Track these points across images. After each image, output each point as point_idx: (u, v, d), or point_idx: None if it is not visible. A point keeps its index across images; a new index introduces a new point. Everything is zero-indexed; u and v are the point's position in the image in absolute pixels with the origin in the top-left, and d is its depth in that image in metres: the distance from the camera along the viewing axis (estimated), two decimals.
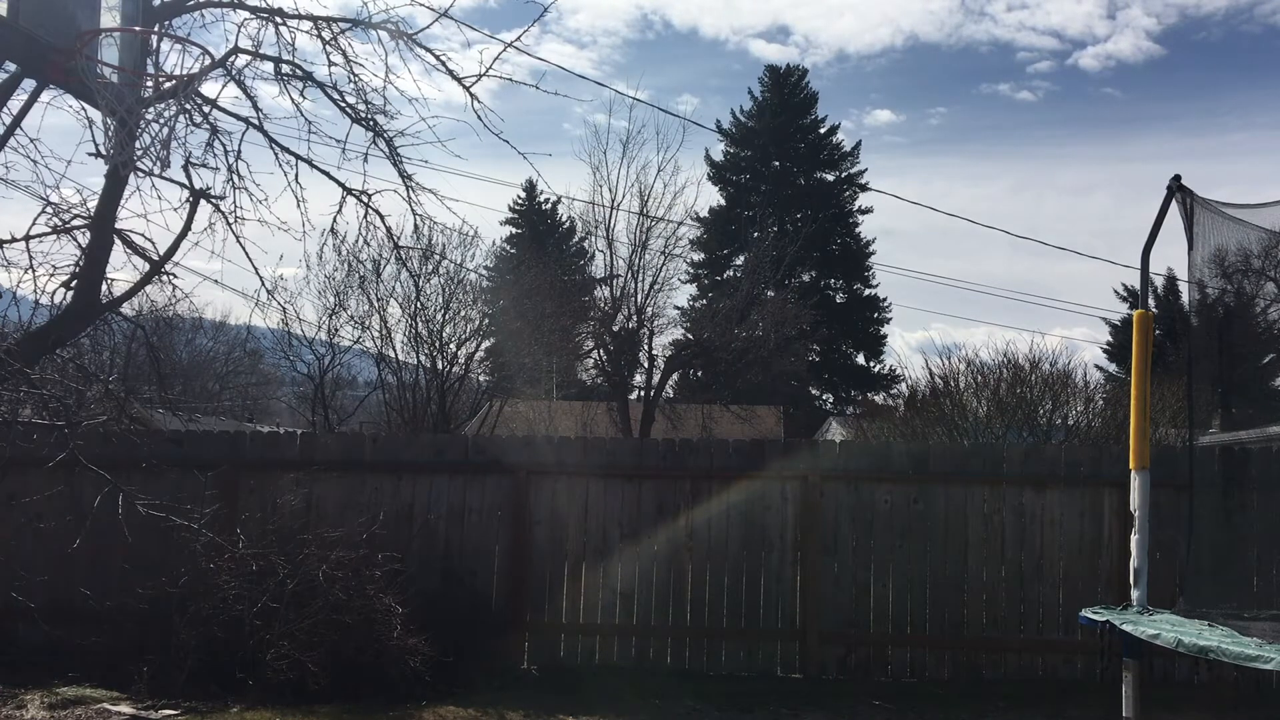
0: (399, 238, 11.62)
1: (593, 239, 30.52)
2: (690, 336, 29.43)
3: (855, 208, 46.38)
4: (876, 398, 42.09)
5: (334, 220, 9.46)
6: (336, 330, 17.09)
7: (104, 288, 8.48)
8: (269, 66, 8.62)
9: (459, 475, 8.99)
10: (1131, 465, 5.93)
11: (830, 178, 46.89)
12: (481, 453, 9.19)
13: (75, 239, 8.29)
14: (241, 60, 8.49)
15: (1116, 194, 67.63)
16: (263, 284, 13.49)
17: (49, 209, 8.04)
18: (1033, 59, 65.81)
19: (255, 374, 32.61)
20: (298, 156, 8.79)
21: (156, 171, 7.79)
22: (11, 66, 7.14)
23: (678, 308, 34.64)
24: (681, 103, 75.07)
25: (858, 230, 46.39)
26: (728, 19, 68.54)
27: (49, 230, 8.04)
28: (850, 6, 69.71)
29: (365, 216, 9.30)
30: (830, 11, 69.00)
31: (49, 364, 8.64)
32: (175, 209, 8.46)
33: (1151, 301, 7.51)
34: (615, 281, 27.15)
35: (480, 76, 8.68)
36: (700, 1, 68.30)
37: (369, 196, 9.15)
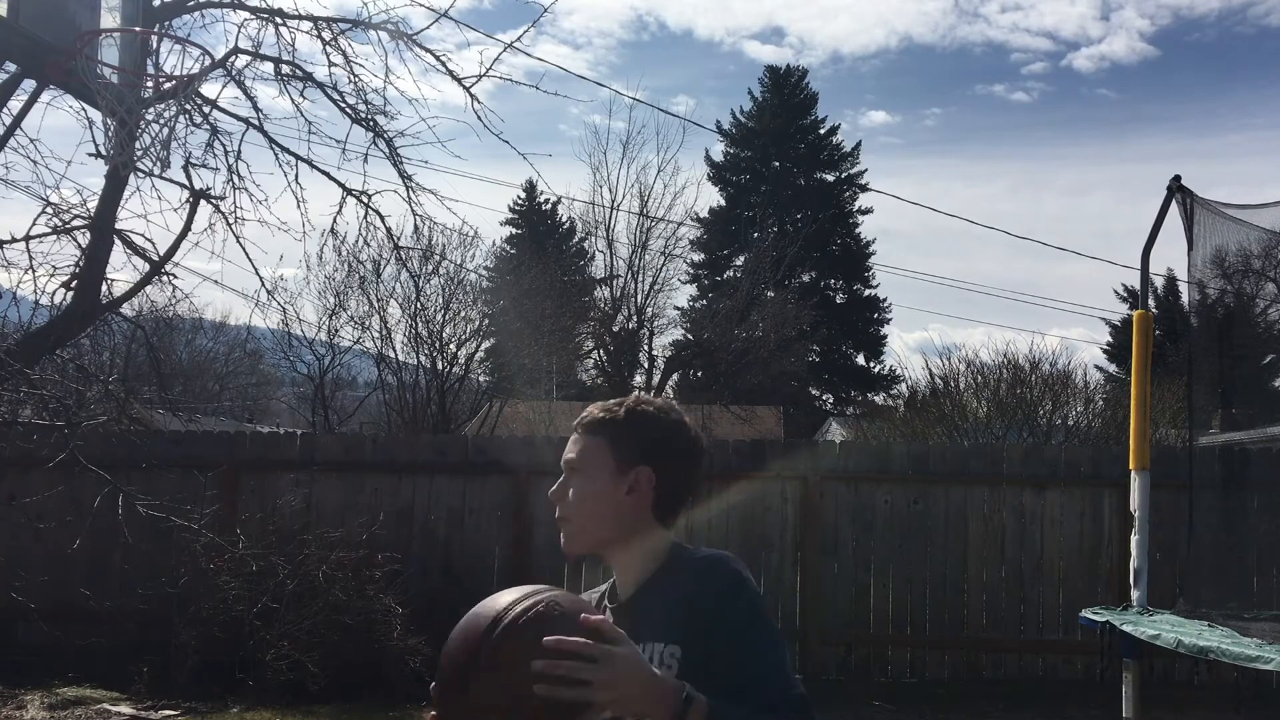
0: (399, 238, 11.65)
1: (593, 239, 30.55)
2: (690, 337, 29.41)
3: (855, 208, 46.28)
4: (876, 398, 41.99)
5: (334, 220, 9.50)
6: (336, 331, 17.03)
7: (104, 288, 8.49)
8: (269, 67, 8.64)
9: (459, 476, 8.98)
10: (1131, 465, 5.92)
11: (830, 178, 46.80)
12: (482, 453, 9.19)
13: (75, 239, 8.30)
14: (241, 61, 8.52)
15: (1115, 194, 67.50)
16: (263, 284, 13.54)
17: (49, 209, 8.05)
18: (1027, 60, 65.70)
19: (255, 374, 32.53)
20: (298, 157, 8.80)
21: (156, 172, 7.80)
22: (11, 67, 7.14)
23: (678, 308, 34.51)
24: (678, 103, 74.88)
25: (858, 231, 46.29)
26: (722, 20, 68.38)
27: (49, 230, 8.05)
28: (844, 8, 69.56)
29: (365, 217, 9.32)
30: (825, 13, 68.87)
31: (49, 364, 8.64)
32: (175, 209, 8.49)
33: (1151, 302, 7.51)
34: (615, 282, 27.16)
35: (480, 77, 8.72)
36: (695, 2, 68.23)
37: (369, 197, 9.17)
